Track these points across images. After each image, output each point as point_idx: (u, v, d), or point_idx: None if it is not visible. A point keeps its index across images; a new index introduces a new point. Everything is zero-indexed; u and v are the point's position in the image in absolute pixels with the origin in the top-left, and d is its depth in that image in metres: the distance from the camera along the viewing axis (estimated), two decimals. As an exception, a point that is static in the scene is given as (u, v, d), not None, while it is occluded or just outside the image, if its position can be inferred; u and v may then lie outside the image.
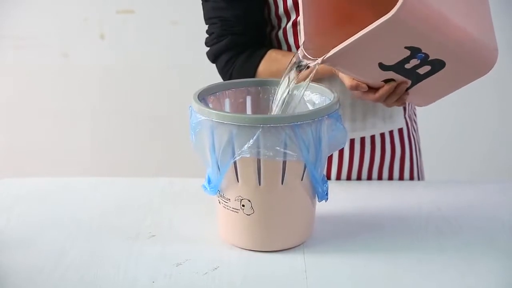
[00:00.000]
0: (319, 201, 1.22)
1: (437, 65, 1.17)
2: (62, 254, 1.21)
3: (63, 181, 1.54)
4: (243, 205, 1.19)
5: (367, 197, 1.44)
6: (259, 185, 1.17)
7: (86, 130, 2.92)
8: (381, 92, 1.25)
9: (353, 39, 1.10)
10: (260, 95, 1.32)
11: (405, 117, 1.58)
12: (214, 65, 1.53)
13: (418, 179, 1.62)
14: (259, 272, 1.16)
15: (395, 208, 1.39)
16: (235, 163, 1.16)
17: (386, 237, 1.27)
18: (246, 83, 1.32)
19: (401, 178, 1.59)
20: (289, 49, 1.49)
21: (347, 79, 1.28)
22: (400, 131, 1.58)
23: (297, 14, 1.45)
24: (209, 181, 1.22)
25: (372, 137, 1.55)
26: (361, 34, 1.08)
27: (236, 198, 1.19)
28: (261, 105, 1.32)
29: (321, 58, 1.16)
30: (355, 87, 1.26)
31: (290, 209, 1.20)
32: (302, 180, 1.18)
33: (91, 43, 2.81)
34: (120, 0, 2.78)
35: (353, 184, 1.53)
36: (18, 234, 1.29)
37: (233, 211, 1.20)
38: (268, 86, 1.32)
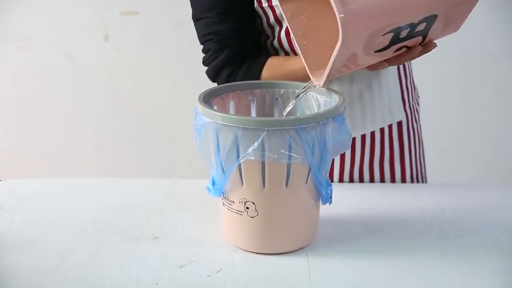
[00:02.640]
0: (323, 204, 1.22)
1: (430, 19, 1.16)
2: (65, 255, 1.21)
3: (67, 182, 1.54)
4: (247, 208, 1.19)
5: (371, 200, 1.44)
6: (264, 187, 1.17)
7: (90, 131, 2.92)
8: (402, 60, 1.25)
9: (331, 62, 1.11)
10: (265, 97, 1.32)
11: (405, 109, 1.58)
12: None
13: (419, 171, 1.62)
14: (263, 275, 1.16)
15: (399, 210, 1.39)
16: (239, 165, 1.16)
17: (390, 239, 1.27)
18: (250, 85, 1.32)
19: (402, 171, 1.58)
20: (286, 55, 1.49)
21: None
22: (399, 124, 1.57)
23: (280, 28, 1.45)
24: (213, 183, 1.22)
25: (372, 133, 1.55)
26: (334, 56, 1.09)
27: (240, 201, 1.19)
28: (266, 107, 1.32)
29: (321, 82, 1.17)
30: (375, 68, 1.26)
31: (294, 212, 1.20)
32: (306, 183, 1.18)
33: (96, 44, 2.81)
34: (124, 1, 2.78)
35: (357, 187, 1.53)
36: (22, 235, 1.29)
37: (237, 213, 1.20)
38: (273, 88, 1.32)
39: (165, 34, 2.79)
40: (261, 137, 1.11)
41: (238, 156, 1.14)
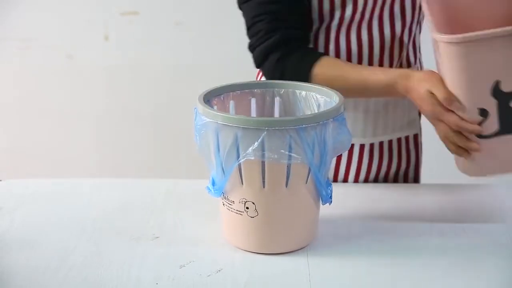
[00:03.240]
0: (323, 204, 1.22)
1: None
2: (65, 255, 1.21)
3: (67, 182, 1.54)
4: (247, 208, 1.19)
5: (371, 200, 1.44)
6: (264, 187, 1.17)
7: (91, 131, 2.92)
8: (452, 119, 1.20)
9: (500, 30, 1.07)
10: (265, 97, 1.32)
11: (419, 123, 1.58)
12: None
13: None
14: (263, 275, 1.16)
15: (399, 210, 1.39)
16: (239, 165, 1.16)
17: (390, 239, 1.27)
18: (250, 85, 1.32)
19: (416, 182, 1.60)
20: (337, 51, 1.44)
21: (441, 91, 1.20)
22: (415, 136, 1.58)
23: (331, 19, 1.41)
24: (213, 183, 1.22)
25: (390, 142, 1.54)
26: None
27: (240, 201, 1.19)
28: (266, 107, 1.32)
29: (460, 36, 1.12)
30: (449, 102, 1.19)
31: (294, 212, 1.20)
32: (306, 183, 1.18)
33: (96, 44, 2.81)
34: (124, 1, 2.78)
35: (357, 187, 1.53)
36: (22, 235, 1.29)
37: (237, 213, 1.20)
38: (273, 88, 1.32)
39: (165, 34, 2.79)
40: (261, 137, 1.11)
41: (238, 156, 1.14)
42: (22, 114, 2.90)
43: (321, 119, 1.13)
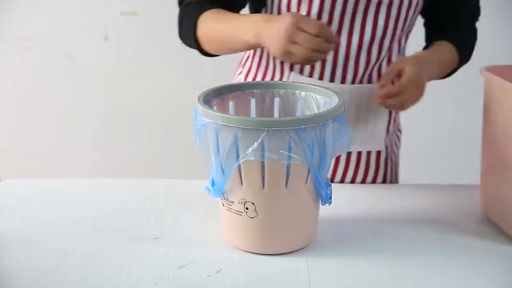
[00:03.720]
0: (323, 205, 1.22)
1: None
2: (65, 255, 1.21)
3: (66, 182, 1.54)
4: (246, 208, 1.19)
5: (370, 200, 1.44)
6: (263, 188, 1.17)
7: (91, 131, 2.92)
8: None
9: None
10: (265, 97, 1.32)
11: (385, 141, 1.56)
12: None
13: None
14: (262, 275, 1.16)
15: (398, 211, 1.39)
16: (239, 166, 1.16)
17: (389, 240, 1.27)
18: (250, 85, 1.32)
19: None
20: None
21: (309, 20, 1.24)
22: (378, 153, 1.56)
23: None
24: (212, 184, 1.22)
25: (349, 155, 1.54)
26: None
27: (240, 201, 1.19)
28: (265, 107, 1.32)
29: None
30: (319, 25, 1.23)
31: (294, 212, 1.20)
32: (306, 183, 1.18)
33: (96, 44, 2.81)
34: (124, 1, 2.78)
35: (356, 187, 1.53)
36: (22, 235, 1.29)
37: (236, 213, 1.20)
38: (272, 89, 1.32)
39: (165, 34, 2.79)
40: (261, 137, 1.11)
41: (237, 157, 1.14)
42: (22, 114, 2.90)
43: (320, 119, 1.13)
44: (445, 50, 1.50)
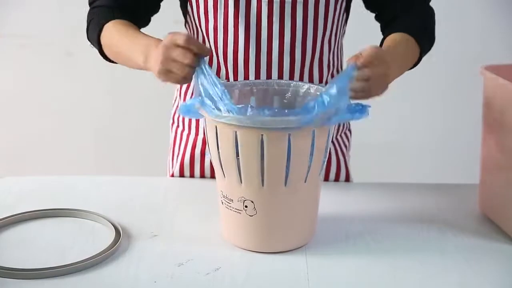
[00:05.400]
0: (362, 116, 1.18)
1: None
2: (63, 253, 1.21)
3: (65, 180, 1.54)
4: (246, 206, 1.19)
5: (369, 199, 1.44)
6: (262, 186, 1.17)
7: (90, 128, 2.92)
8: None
9: None
10: (265, 95, 1.32)
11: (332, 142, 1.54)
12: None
13: None
14: (261, 273, 1.16)
15: (397, 210, 1.39)
16: (238, 164, 1.16)
17: (388, 239, 1.27)
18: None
19: None
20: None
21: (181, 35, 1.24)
22: None
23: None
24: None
25: None
26: None
27: (239, 199, 1.19)
28: (266, 105, 1.32)
29: None
30: (188, 39, 1.22)
31: (293, 211, 1.20)
32: (305, 182, 1.18)
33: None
34: None
35: (355, 186, 1.53)
36: (21, 234, 1.29)
37: (235, 212, 1.20)
38: (273, 86, 1.32)
39: (165, 32, 2.78)
40: (260, 136, 1.12)
41: (236, 155, 1.14)
42: (21, 111, 2.89)
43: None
44: (401, 42, 1.39)
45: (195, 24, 1.47)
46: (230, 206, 1.21)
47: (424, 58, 1.45)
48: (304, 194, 1.20)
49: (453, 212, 1.38)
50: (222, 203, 1.23)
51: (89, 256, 1.17)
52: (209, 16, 1.42)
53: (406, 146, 2.85)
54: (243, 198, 1.19)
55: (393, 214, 1.37)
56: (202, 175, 1.52)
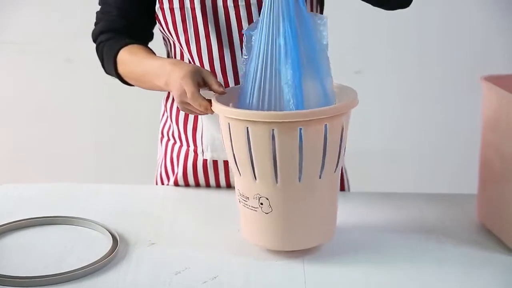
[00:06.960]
0: None
1: None
2: (61, 261, 1.21)
3: (64, 187, 1.54)
4: (261, 204, 1.18)
5: (368, 209, 1.44)
6: (276, 183, 1.16)
7: (89, 135, 2.91)
8: None
9: None
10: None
11: None
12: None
13: None
14: (259, 281, 1.15)
15: (397, 220, 1.39)
16: (251, 160, 1.15)
17: (387, 249, 1.27)
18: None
19: None
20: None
21: (190, 88, 1.24)
22: None
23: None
24: None
25: None
26: None
27: (255, 196, 1.18)
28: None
29: None
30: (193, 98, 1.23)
31: (309, 207, 1.18)
32: (320, 178, 1.17)
33: (94, 48, 2.81)
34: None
35: (354, 196, 1.53)
36: (20, 240, 1.29)
37: (252, 209, 1.19)
38: None
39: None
40: (271, 130, 1.12)
41: (249, 151, 1.14)
42: (21, 117, 2.89)
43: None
44: None
45: (169, 40, 1.48)
46: (246, 204, 1.20)
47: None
48: (320, 191, 1.19)
49: (452, 222, 1.38)
50: (240, 201, 1.22)
51: (86, 264, 1.17)
52: (178, 31, 1.41)
53: (408, 156, 2.84)
54: (258, 195, 1.18)
55: (391, 224, 1.37)
56: (197, 185, 1.52)
